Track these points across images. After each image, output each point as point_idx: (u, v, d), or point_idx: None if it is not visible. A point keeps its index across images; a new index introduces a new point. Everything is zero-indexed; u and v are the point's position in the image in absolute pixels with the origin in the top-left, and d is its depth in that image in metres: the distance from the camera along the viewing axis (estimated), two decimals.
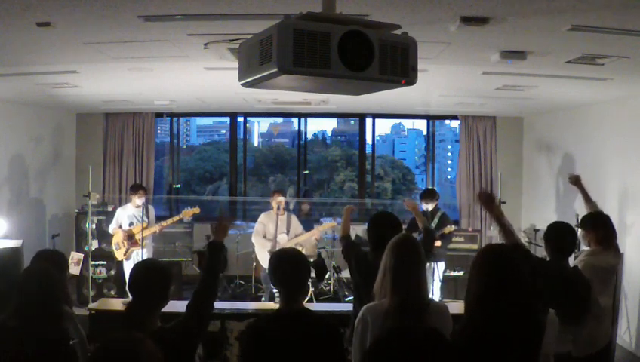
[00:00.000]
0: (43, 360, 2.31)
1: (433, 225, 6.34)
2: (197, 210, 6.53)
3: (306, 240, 6.41)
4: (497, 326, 2.14)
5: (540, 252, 4.81)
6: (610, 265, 3.69)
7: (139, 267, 2.50)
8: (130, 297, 2.45)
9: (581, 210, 4.64)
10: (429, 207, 6.52)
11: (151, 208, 6.79)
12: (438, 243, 6.28)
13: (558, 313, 2.63)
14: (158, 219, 6.93)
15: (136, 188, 6.61)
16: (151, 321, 2.35)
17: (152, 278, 2.40)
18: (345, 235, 3.87)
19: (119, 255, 6.56)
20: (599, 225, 3.72)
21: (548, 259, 3.49)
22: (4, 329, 2.36)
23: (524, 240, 7.38)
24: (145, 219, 6.48)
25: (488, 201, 3.27)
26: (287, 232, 6.36)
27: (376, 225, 3.44)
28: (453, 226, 6.50)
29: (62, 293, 2.60)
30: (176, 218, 6.62)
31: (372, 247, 3.42)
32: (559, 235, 3.40)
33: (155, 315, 2.39)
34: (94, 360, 1.67)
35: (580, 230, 3.90)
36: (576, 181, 4.62)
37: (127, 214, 6.55)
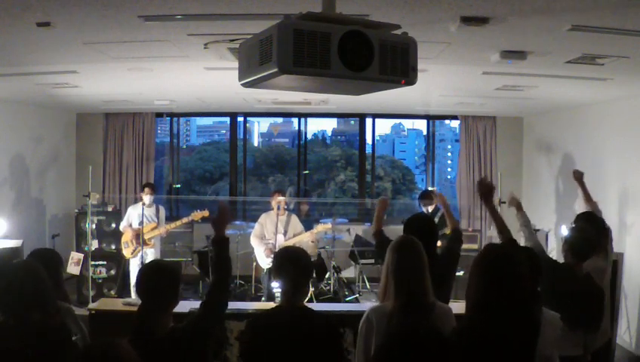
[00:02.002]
0: (44, 356, 2.30)
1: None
2: (206, 213, 6.55)
3: (300, 242, 6.40)
4: (496, 326, 2.14)
5: None
6: (599, 268, 3.67)
7: (146, 269, 2.49)
8: (137, 299, 2.44)
9: (581, 210, 4.64)
10: (428, 208, 6.51)
11: (161, 209, 6.89)
12: (438, 243, 6.27)
13: (568, 317, 2.62)
14: None
15: (143, 187, 6.75)
16: (164, 322, 2.35)
17: (161, 279, 2.39)
18: (378, 231, 3.76)
19: (127, 253, 6.66)
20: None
21: (562, 260, 3.49)
22: (4, 327, 2.36)
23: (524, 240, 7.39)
24: (154, 219, 6.62)
25: (487, 192, 3.27)
26: (285, 233, 6.36)
27: (412, 228, 3.30)
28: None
29: (57, 288, 2.57)
30: (185, 220, 6.67)
31: None
32: (581, 241, 3.40)
33: (167, 316, 2.38)
34: None
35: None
36: (579, 178, 4.63)
37: (138, 213, 6.61)
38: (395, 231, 3.40)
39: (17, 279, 2.41)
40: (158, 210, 6.71)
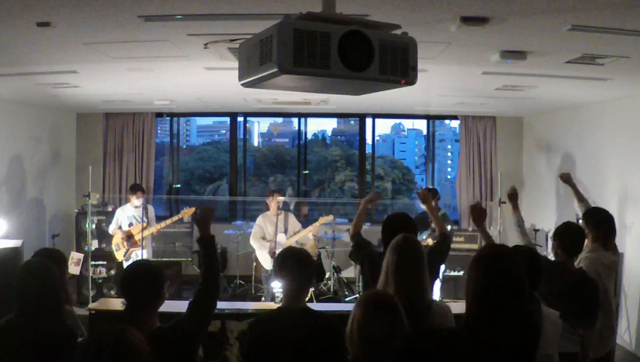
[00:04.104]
0: (50, 357, 2.30)
1: (433, 225, 6.32)
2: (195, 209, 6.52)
3: (305, 238, 6.40)
4: (494, 326, 2.13)
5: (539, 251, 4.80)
6: (612, 262, 3.68)
7: (129, 269, 2.50)
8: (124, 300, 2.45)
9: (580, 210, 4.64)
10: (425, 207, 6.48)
11: (150, 208, 6.77)
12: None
13: (565, 314, 2.62)
14: (159, 219, 6.94)
15: (135, 189, 6.59)
16: (149, 321, 2.35)
17: (144, 279, 2.39)
18: (355, 233, 3.66)
19: (119, 256, 6.56)
20: (602, 223, 3.70)
21: (553, 258, 3.49)
22: (12, 327, 2.36)
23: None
24: (144, 219, 6.48)
25: (479, 217, 3.29)
26: (286, 231, 6.36)
27: (392, 226, 3.25)
28: (448, 227, 6.49)
29: (62, 290, 2.58)
30: (175, 218, 6.61)
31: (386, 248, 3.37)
32: (570, 236, 3.41)
33: (152, 315, 2.38)
34: (83, 353, 1.69)
35: (581, 222, 3.90)
36: (567, 179, 4.62)
37: (127, 215, 6.54)
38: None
39: (32, 278, 2.42)
40: (146, 210, 6.56)
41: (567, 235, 3.41)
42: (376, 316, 2.07)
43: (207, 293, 2.51)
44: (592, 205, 4.41)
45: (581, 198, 4.44)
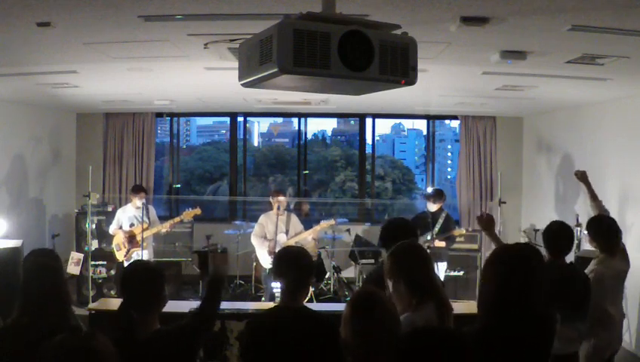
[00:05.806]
0: None
1: (437, 226, 6.32)
2: (198, 211, 6.50)
3: (303, 240, 6.39)
4: (515, 330, 2.12)
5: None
6: (622, 271, 3.69)
7: (129, 269, 2.50)
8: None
9: (581, 210, 4.64)
10: (433, 207, 6.48)
11: (151, 208, 6.77)
12: (443, 243, 6.29)
13: (561, 312, 2.63)
14: (160, 219, 6.92)
15: (137, 190, 6.58)
16: (148, 322, 2.34)
17: (142, 279, 2.38)
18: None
19: (120, 256, 6.54)
20: (604, 233, 3.69)
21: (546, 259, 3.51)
22: (16, 327, 2.35)
23: (524, 240, 7.40)
24: (145, 219, 6.47)
25: (487, 225, 3.35)
26: (287, 232, 6.35)
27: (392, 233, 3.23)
28: (463, 230, 6.52)
29: (65, 288, 2.58)
30: (177, 219, 6.59)
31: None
32: (556, 236, 3.45)
33: (151, 316, 2.37)
34: (48, 358, 1.66)
35: (579, 229, 3.91)
36: (582, 177, 4.60)
37: (128, 215, 6.53)
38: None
39: (34, 278, 2.42)
40: (147, 210, 6.53)
41: (552, 237, 3.45)
42: (364, 308, 2.11)
43: (211, 309, 2.52)
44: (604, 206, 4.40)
45: (594, 197, 4.40)
